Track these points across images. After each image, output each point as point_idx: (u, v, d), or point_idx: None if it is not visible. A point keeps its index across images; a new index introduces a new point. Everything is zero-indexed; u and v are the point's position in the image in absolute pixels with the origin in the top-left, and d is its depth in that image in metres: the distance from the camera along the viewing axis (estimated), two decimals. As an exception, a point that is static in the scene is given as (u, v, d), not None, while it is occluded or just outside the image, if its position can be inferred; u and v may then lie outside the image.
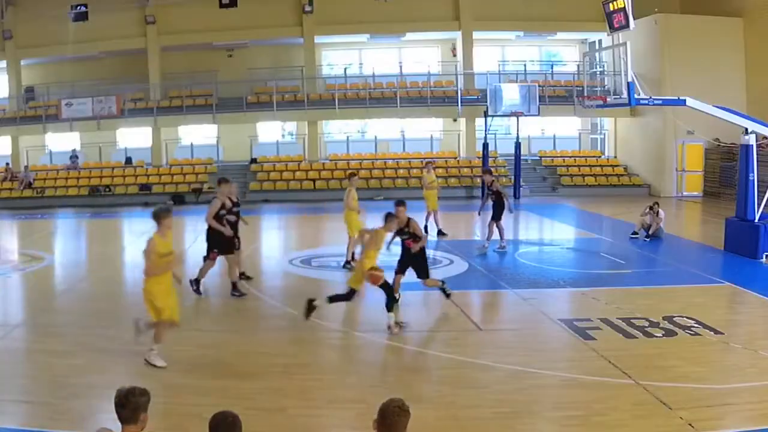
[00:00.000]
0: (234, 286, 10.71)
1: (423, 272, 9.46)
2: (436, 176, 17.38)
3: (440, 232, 16.22)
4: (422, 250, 9.32)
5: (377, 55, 30.18)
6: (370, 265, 8.49)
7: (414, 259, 9.35)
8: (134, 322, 7.61)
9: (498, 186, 14.08)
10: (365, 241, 8.82)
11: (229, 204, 10.74)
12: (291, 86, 28.53)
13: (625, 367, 7.10)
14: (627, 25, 13.55)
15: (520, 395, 6.62)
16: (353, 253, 12.21)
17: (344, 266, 12.44)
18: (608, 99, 15.85)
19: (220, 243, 10.53)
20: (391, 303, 8.64)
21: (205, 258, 10.80)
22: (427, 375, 7.23)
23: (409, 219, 9.27)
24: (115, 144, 29.45)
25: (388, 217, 8.90)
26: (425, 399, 6.32)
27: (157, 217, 7.40)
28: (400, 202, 9.31)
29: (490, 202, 14.03)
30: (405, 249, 9.41)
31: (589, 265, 13.41)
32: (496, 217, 13.84)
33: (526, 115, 25.14)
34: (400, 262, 9.49)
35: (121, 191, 26.26)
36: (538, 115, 25.62)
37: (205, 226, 10.65)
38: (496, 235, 14.04)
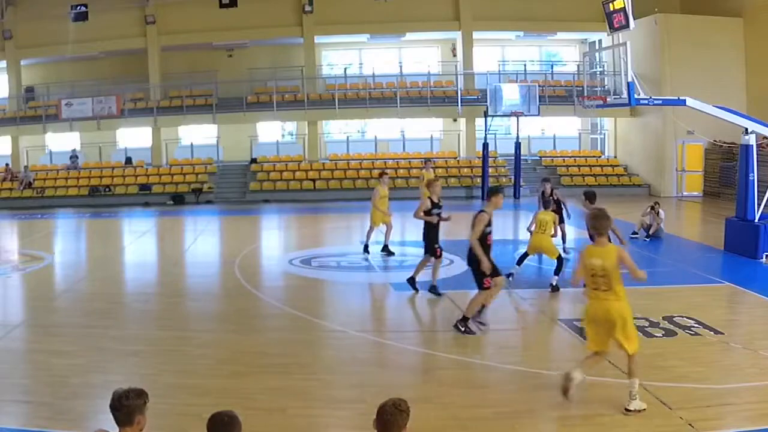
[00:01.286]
0: (481, 312, 8.82)
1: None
2: (435, 176, 17.46)
3: None
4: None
5: (377, 55, 30.17)
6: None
7: None
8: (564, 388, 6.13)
9: (559, 194, 14.14)
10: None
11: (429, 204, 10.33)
12: (291, 86, 28.51)
13: (625, 367, 7.07)
14: (627, 25, 13.52)
15: (520, 395, 6.62)
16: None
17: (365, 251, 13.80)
18: (608, 99, 15.81)
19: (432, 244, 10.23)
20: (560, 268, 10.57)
21: (433, 255, 10.40)
22: (427, 375, 7.22)
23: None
24: (115, 144, 29.45)
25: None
26: (425, 399, 6.30)
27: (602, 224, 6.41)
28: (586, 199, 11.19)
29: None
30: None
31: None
32: (562, 220, 13.97)
33: (526, 115, 25.09)
34: None
35: (121, 191, 26.26)
36: (538, 115, 25.59)
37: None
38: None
